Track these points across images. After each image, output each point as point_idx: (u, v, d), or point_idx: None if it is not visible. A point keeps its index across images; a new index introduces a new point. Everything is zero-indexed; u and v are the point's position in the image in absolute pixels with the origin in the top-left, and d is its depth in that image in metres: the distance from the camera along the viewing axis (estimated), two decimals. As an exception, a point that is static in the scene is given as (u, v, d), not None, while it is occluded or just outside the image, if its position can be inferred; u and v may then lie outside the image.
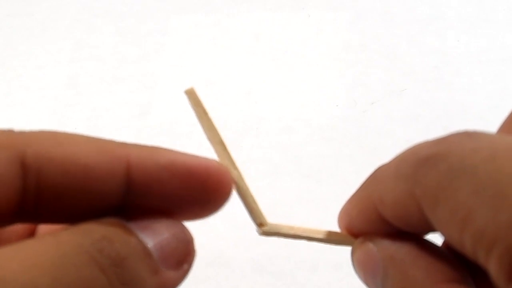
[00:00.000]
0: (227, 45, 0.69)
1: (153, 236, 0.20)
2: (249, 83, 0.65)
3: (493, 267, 0.16)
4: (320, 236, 0.23)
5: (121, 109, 0.62)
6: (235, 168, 0.24)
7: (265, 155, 0.56)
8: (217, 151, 0.24)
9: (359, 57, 0.67)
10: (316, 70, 0.66)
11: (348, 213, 0.23)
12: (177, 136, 0.58)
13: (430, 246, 0.21)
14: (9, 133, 0.20)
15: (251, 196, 0.24)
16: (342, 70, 0.66)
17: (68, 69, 0.67)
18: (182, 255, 0.20)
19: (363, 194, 0.22)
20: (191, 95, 0.23)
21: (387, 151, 0.57)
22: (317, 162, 0.55)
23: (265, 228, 0.24)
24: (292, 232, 0.24)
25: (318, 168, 0.55)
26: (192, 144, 0.58)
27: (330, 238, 0.23)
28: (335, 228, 0.24)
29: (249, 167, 0.54)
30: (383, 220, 0.21)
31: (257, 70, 0.66)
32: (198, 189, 0.21)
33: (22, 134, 0.20)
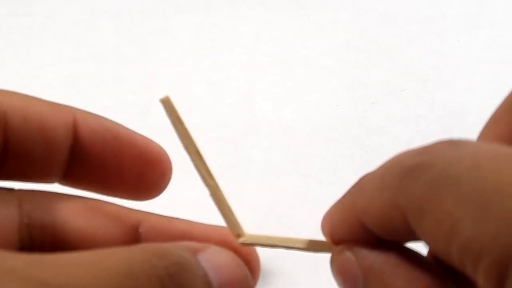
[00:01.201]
0: (227, 45, 0.70)
1: (219, 275, 0.20)
2: (249, 83, 0.65)
3: (481, 279, 0.16)
4: (299, 245, 0.23)
5: (121, 109, 0.62)
6: (212, 178, 0.24)
7: (265, 155, 0.56)
8: (193, 161, 0.24)
9: (359, 57, 0.67)
10: (316, 70, 0.66)
11: (331, 220, 0.23)
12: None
13: (410, 253, 0.20)
14: None
15: (229, 208, 0.24)
16: (342, 70, 0.66)
17: (68, 69, 0.67)
18: None
19: (346, 202, 0.22)
20: (167, 103, 0.24)
21: (387, 151, 0.57)
22: (317, 162, 0.55)
23: (243, 239, 0.24)
24: (270, 242, 0.24)
25: (318, 168, 0.55)
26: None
27: (309, 247, 0.23)
28: (315, 238, 0.24)
29: (249, 167, 0.54)
30: (365, 229, 0.21)
31: (257, 70, 0.66)
32: (137, 162, 0.23)
33: None
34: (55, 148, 0.22)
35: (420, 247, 0.20)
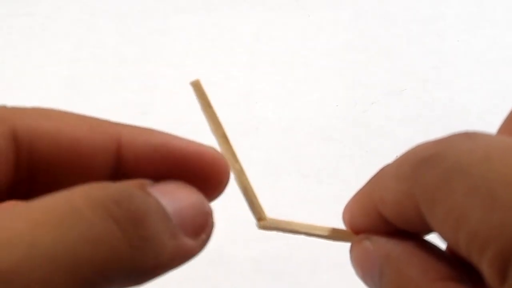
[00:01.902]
0: (227, 45, 0.70)
1: (173, 201, 0.19)
2: (249, 83, 0.65)
3: (486, 268, 0.16)
4: (319, 232, 0.23)
5: (121, 109, 0.62)
6: (237, 161, 0.24)
7: (265, 155, 0.56)
8: (219, 144, 0.24)
9: (359, 57, 0.67)
10: (316, 70, 0.66)
11: (351, 210, 0.23)
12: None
13: (427, 244, 0.21)
14: (0, 108, 0.20)
15: (252, 191, 0.24)
16: (342, 70, 0.66)
17: (68, 69, 0.67)
18: (201, 225, 0.20)
19: (365, 193, 0.22)
20: (197, 87, 0.24)
21: (387, 151, 0.57)
22: (317, 162, 0.55)
23: (264, 223, 0.24)
24: (290, 227, 0.24)
25: (318, 168, 0.55)
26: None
27: (329, 235, 0.23)
28: (336, 226, 0.24)
29: (249, 167, 0.54)
30: (383, 219, 0.21)
31: (257, 70, 0.66)
32: (191, 175, 0.21)
33: (13, 109, 0.20)
34: (91, 174, 0.20)
35: (438, 240, 0.20)
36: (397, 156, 0.21)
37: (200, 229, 0.20)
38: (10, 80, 0.66)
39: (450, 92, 0.63)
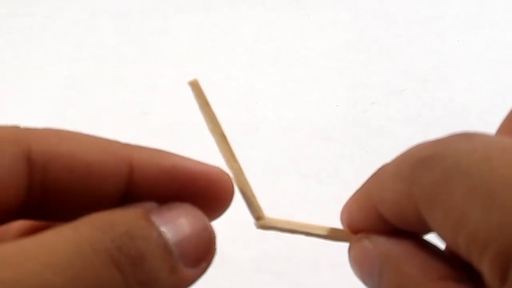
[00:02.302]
0: (227, 45, 0.70)
1: (176, 231, 0.19)
2: (249, 83, 0.65)
3: (486, 269, 0.16)
4: (318, 231, 0.23)
5: (121, 109, 0.62)
6: (235, 160, 0.24)
7: (265, 155, 0.56)
8: (218, 143, 0.24)
9: (359, 57, 0.67)
10: (316, 70, 0.66)
11: (349, 210, 0.23)
12: (177, 136, 0.58)
13: (426, 244, 0.21)
14: (15, 129, 0.20)
15: (250, 190, 0.24)
16: (342, 70, 0.66)
17: (68, 69, 0.67)
18: (203, 253, 0.20)
19: (364, 192, 0.22)
20: (195, 86, 0.24)
21: (387, 151, 0.57)
22: (317, 162, 0.55)
23: (262, 222, 0.24)
24: (289, 226, 0.24)
25: (318, 168, 0.55)
26: (192, 144, 0.58)
27: (328, 234, 0.23)
28: (335, 226, 0.24)
29: (249, 167, 0.54)
30: (381, 218, 0.21)
31: (257, 70, 0.66)
32: (199, 195, 0.21)
33: (27, 130, 0.20)
34: (103, 196, 0.20)
35: (436, 240, 0.20)
36: (395, 156, 0.21)
37: (201, 258, 0.20)
38: (10, 80, 0.66)
39: (450, 92, 0.63)
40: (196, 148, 0.60)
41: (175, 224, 0.19)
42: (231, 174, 0.23)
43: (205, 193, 0.22)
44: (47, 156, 0.20)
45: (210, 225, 0.21)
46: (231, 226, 0.50)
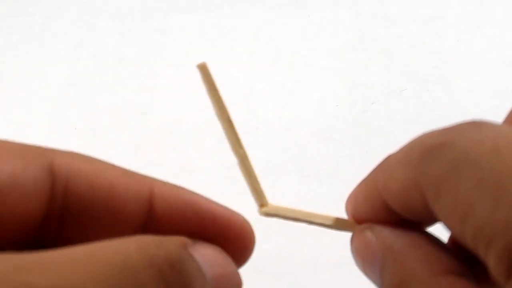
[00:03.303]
0: (227, 45, 0.70)
1: (211, 268, 0.19)
2: (249, 83, 0.65)
3: (492, 263, 0.16)
4: (321, 220, 0.23)
5: (121, 109, 0.62)
6: (241, 146, 0.24)
7: (265, 155, 0.56)
8: (224, 128, 0.24)
9: (359, 57, 0.67)
10: (316, 70, 0.66)
11: (355, 199, 0.23)
12: (177, 136, 0.58)
13: (430, 237, 0.21)
14: (39, 146, 0.20)
15: (255, 176, 0.24)
16: (342, 70, 0.66)
17: (68, 69, 0.67)
18: None
19: (370, 180, 0.22)
20: (203, 70, 0.24)
21: (387, 151, 0.57)
22: (317, 162, 0.55)
23: (266, 209, 0.24)
24: (292, 214, 0.24)
25: (318, 168, 0.55)
26: (192, 144, 0.58)
27: (331, 224, 0.23)
28: (340, 216, 0.24)
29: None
30: (387, 208, 0.21)
31: (257, 70, 0.66)
32: (219, 238, 0.21)
33: (52, 148, 0.20)
34: (124, 221, 0.20)
35: (441, 234, 0.20)
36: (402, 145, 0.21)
37: None
38: (10, 80, 0.66)
39: (450, 92, 0.63)
40: (196, 148, 0.60)
41: (211, 261, 0.19)
42: (236, 160, 0.24)
43: (226, 238, 0.21)
44: (70, 171, 0.20)
45: (237, 271, 0.21)
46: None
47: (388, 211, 0.21)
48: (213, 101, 0.23)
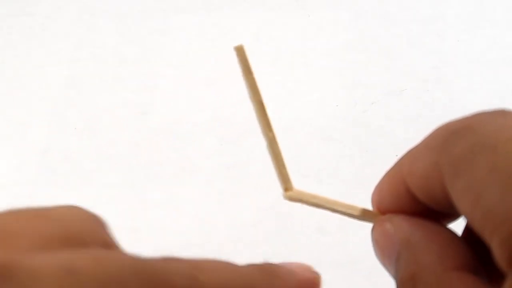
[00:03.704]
0: (227, 45, 0.69)
1: None
2: (249, 83, 0.65)
3: (496, 248, 0.17)
4: (345, 209, 0.23)
5: (121, 109, 0.62)
6: (270, 130, 0.24)
7: (265, 155, 0.56)
8: (256, 111, 0.24)
9: (359, 57, 0.67)
10: (316, 70, 0.66)
11: (380, 189, 0.23)
12: (177, 136, 0.58)
13: (448, 232, 0.21)
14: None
15: (282, 160, 0.24)
16: (342, 70, 0.66)
17: (68, 69, 0.67)
18: None
19: (395, 169, 0.22)
20: (240, 52, 0.24)
21: (387, 151, 0.58)
22: (317, 162, 0.55)
23: (290, 193, 0.24)
24: (316, 200, 0.24)
25: (318, 168, 0.55)
26: (191, 143, 0.58)
27: (354, 213, 0.23)
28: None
29: (249, 167, 0.54)
30: (411, 197, 0.21)
31: (257, 70, 0.66)
32: None
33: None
34: None
35: (459, 229, 0.20)
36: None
37: None
38: (10, 80, 0.66)
39: (450, 92, 0.63)
40: (196, 148, 0.60)
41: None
42: (265, 142, 0.24)
43: None
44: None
45: None
46: (231, 226, 0.50)
47: (412, 201, 0.21)
48: (247, 83, 0.24)
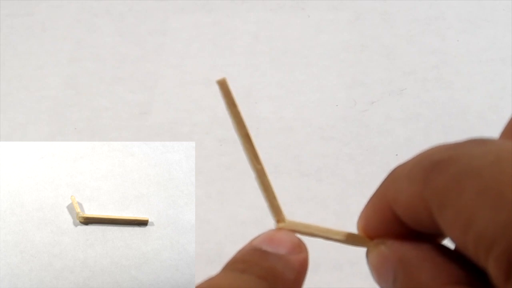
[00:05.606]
0: (227, 45, 0.70)
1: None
2: (249, 83, 0.65)
3: (492, 268, 0.17)
4: (337, 236, 0.24)
5: (121, 109, 0.62)
6: (259, 162, 0.24)
7: (265, 154, 0.56)
8: (242, 144, 0.24)
9: (359, 57, 0.67)
10: (316, 70, 0.66)
11: (366, 215, 0.23)
12: (177, 136, 0.58)
13: (441, 249, 0.21)
14: None
15: (272, 192, 0.24)
16: (342, 70, 0.66)
17: (68, 69, 0.67)
18: None
19: (379, 194, 0.22)
20: (223, 85, 0.24)
21: (387, 150, 0.58)
22: (317, 162, 0.55)
23: (283, 225, 0.24)
24: (308, 230, 0.24)
25: (318, 168, 0.55)
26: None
27: (346, 239, 0.23)
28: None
29: (249, 167, 0.54)
30: (398, 220, 0.21)
31: (257, 70, 0.66)
32: None
33: None
34: None
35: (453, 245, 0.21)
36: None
37: None
38: (10, 80, 0.66)
39: (450, 92, 0.63)
40: (196, 148, 0.60)
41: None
42: (254, 175, 0.24)
43: None
44: None
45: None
46: (231, 226, 0.50)
47: (400, 224, 0.21)
48: (232, 116, 0.24)
